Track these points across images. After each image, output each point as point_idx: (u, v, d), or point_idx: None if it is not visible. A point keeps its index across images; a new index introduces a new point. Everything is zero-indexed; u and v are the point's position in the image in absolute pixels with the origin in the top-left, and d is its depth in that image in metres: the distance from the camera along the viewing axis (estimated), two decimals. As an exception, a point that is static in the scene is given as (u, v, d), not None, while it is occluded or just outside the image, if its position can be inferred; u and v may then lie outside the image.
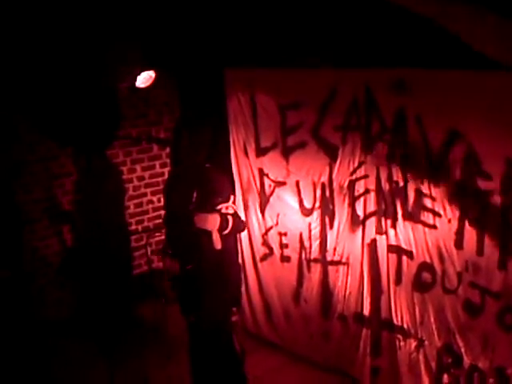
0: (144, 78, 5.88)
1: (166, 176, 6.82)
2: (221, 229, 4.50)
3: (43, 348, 5.76)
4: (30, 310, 5.82)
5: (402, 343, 4.92)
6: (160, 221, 6.81)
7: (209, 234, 4.50)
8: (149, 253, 6.33)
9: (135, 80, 5.88)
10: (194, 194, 4.53)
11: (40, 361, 5.63)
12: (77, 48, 5.70)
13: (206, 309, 4.62)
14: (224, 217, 4.50)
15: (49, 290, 6.19)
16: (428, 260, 4.65)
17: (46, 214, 6.10)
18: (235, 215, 4.61)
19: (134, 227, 6.74)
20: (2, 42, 5.36)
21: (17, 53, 5.49)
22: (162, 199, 6.73)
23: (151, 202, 6.84)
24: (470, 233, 4.37)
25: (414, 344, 4.85)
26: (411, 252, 4.73)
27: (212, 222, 4.46)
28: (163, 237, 6.59)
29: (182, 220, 4.55)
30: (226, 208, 4.54)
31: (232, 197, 4.64)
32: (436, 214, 4.53)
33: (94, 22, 5.64)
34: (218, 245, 4.55)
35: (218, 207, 4.50)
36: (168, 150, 6.79)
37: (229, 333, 4.81)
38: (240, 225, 4.72)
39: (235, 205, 4.71)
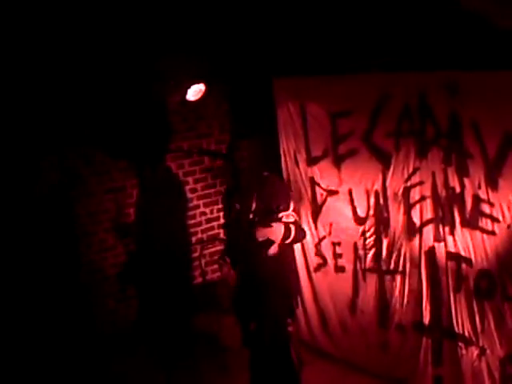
0: (194, 91, 5.91)
1: (218, 187, 6.85)
2: (284, 238, 4.49)
3: (100, 362, 5.82)
4: (90, 324, 5.89)
5: (463, 351, 4.79)
6: (213, 232, 6.87)
7: (270, 242, 4.49)
8: (203, 264, 6.39)
9: (185, 93, 5.91)
10: (254, 203, 4.52)
11: (96, 374, 5.69)
12: (129, 61, 5.75)
13: (266, 317, 4.58)
14: (287, 226, 4.48)
15: (107, 303, 6.24)
16: (487, 267, 4.52)
17: (102, 227, 6.19)
18: (296, 223, 4.59)
19: (187, 239, 6.75)
20: (57, 57, 5.45)
21: (75, 66, 5.57)
22: (215, 211, 6.85)
23: (204, 213, 6.85)
24: (530, 238, 4.25)
25: (475, 352, 4.72)
26: (470, 259, 4.62)
27: (276, 233, 4.45)
28: (217, 248, 6.69)
29: (242, 228, 4.53)
30: (287, 216, 4.52)
31: (292, 205, 4.61)
32: (494, 219, 4.41)
33: (146, 35, 5.68)
34: (278, 254, 4.55)
35: (279, 215, 4.48)
36: (220, 161, 6.80)
37: (286, 343, 4.77)
38: (301, 233, 4.70)
39: (295, 212, 4.68)
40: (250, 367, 4.91)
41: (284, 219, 4.46)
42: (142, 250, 6.40)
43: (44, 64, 5.40)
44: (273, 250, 4.53)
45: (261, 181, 4.62)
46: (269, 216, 4.46)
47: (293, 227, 4.49)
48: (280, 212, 4.46)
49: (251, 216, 4.49)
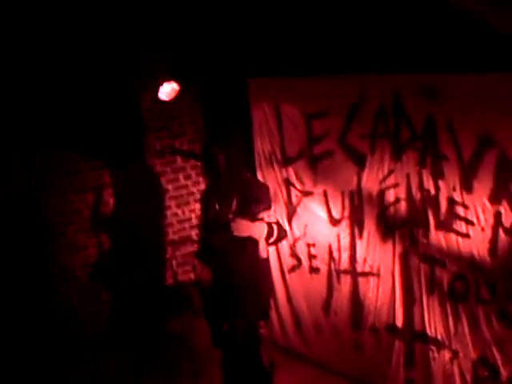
0: (168, 91, 5.84)
1: (191, 188, 6.78)
2: (267, 237, 4.46)
3: (73, 363, 5.74)
4: (60, 325, 5.80)
5: (435, 355, 4.79)
6: (185, 233, 6.79)
7: (247, 242, 4.45)
8: (174, 266, 6.32)
9: (158, 92, 5.84)
10: (234, 203, 4.48)
11: (69, 376, 5.61)
12: (102, 59, 5.66)
13: (239, 318, 4.54)
14: (270, 225, 4.45)
15: (77, 304, 6.14)
16: (461, 270, 4.52)
17: (73, 227, 6.09)
18: (278, 223, 4.56)
19: (159, 240, 6.67)
20: (26, 55, 5.33)
21: (41, 64, 5.47)
22: (187, 212, 6.77)
23: (176, 214, 6.76)
24: (504, 241, 4.24)
25: (448, 356, 4.72)
26: (444, 262, 4.61)
27: (258, 230, 4.41)
28: (188, 249, 6.62)
29: (220, 229, 4.48)
30: (269, 216, 4.49)
31: (273, 205, 4.58)
32: (469, 222, 4.41)
33: (120, 33, 5.61)
34: (264, 253, 4.54)
35: (261, 215, 4.44)
36: (192, 161, 6.73)
37: (257, 345, 4.73)
38: (283, 233, 4.67)
39: (276, 213, 4.65)
40: (223, 368, 4.86)
41: (266, 219, 4.43)
42: (113, 251, 6.31)
43: (12, 60, 5.30)
44: (263, 251, 4.51)
45: (241, 181, 4.57)
46: (250, 215, 4.41)
47: (275, 227, 4.46)
48: (261, 212, 4.42)
49: (231, 216, 4.44)
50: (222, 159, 4.51)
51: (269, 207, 4.50)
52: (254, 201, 4.46)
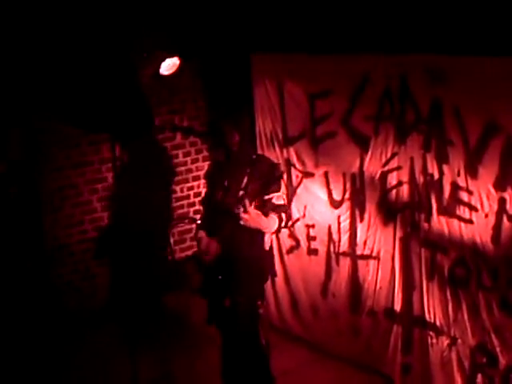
0: (168, 65, 5.76)
1: (190, 165, 6.71)
2: (279, 228, 4.43)
3: (67, 338, 5.73)
4: (55, 300, 5.76)
5: (434, 340, 4.76)
6: (182, 211, 6.74)
7: (254, 232, 4.38)
8: (172, 243, 6.28)
9: (159, 66, 5.75)
10: (245, 180, 4.38)
11: (63, 350, 5.62)
12: (102, 32, 5.56)
13: (241, 296, 4.47)
14: (280, 217, 4.37)
15: (73, 280, 6.10)
16: (463, 255, 4.47)
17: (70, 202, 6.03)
18: (285, 208, 4.47)
19: (157, 217, 6.61)
20: (26, 28, 5.24)
21: (41, 39, 5.37)
22: (185, 189, 6.71)
23: (174, 191, 6.71)
24: (508, 228, 4.19)
25: (446, 342, 4.68)
26: (445, 247, 4.56)
27: (270, 225, 4.36)
28: (186, 227, 6.57)
29: (228, 205, 4.39)
30: (278, 198, 4.39)
31: (283, 186, 4.49)
32: (472, 208, 4.35)
33: (119, 9, 5.50)
34: (268, 244, 4.50)
35: (269, 196, 4.35)
36: (191, 138, 6.65)
37: (256, 325, 4.68)
38: (289, 218, 4.59)
39: (285, 194, 4.56)
40: (221, 345, 4.81)
41: (274, 200, 4.34)
42: (110, 227, 6.26)
43: (13, 33, 5.20)
44: (267, 243, 4.47)
45: (252, 159, 4.48)
46: (260, 197, 4.32)
47: (284, 216, 4.38)
48: (270, 193, 4.33)
49: (241, 193, 4.35)
50: (235, 136, 4.41)
51: (278, 189, 4.40)
52: (264, 181, 4.36)
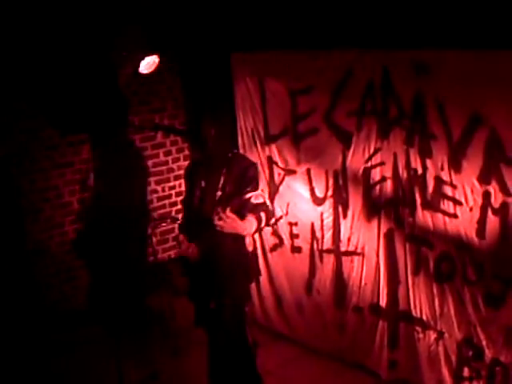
0: (147, 64, 5.72)
1: (170, 164, 6.67)
2: (255, 231, 4.36)
3: (50, 340, 5.68)
4: (38, 302, 5.68)
5: (420, 335, 4.76)
6: (165, 210, 6.69)
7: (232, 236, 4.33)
8: (154, 243, 6.22)
9: (138, 65, 5.69)
10: (222, 180, 4.33)
11: (47, 353, 5.55)
12: (79, 33, 5.49)
13: (226, 296, 4.43)
14: (258, 217, 4.28)
15: (54, 282, 6.02)
16: (448, 250, 4.47)
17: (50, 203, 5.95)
18: (265, 206, 4.40)
19: (139, 217, 6.54)
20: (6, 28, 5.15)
21: (19, 39, 5.30)
22: (167, 188, 6.66)
23: (155, 191, 6.66)
24: (492, 222, 4.19)
25: (433, 336, 4.69)
26: (430, 242, 4.56)
27: (248, 227, 4.26)
28: (168, 227, 6.51)
29: (206, 206, 4.35)
30: (256, 197, 4.34)
31: (261, 184, 4.44)
32: (457, 202, 4.35)
33: (97, 6, 5.43)
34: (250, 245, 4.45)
35: (248, 196, 4.30)
36: (172, 137, 6.61)
37: (243, 324, 4.64)
38: (270, 216, 4.52)
39: (264, 192, 4.51)
40: (208, 347, 4.76)
41: (253, 200, 4.29)
42: (90, 227, 6.19)
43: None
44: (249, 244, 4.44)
45: (228, 158, 4.43)
46: (237, 198, 4.27)
47: (263, 215, 4.31)
48: (248, 192, 4.29)
49: (218, 193, 4.31)
50: (212, 133, 4.35)
51: (256, 187, 4.36)
52: (241, 180, 4.31)
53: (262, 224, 4.31)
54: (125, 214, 6.04)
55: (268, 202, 4.55)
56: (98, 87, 5.75)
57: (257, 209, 4.29)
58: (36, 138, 5.76)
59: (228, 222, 4.15)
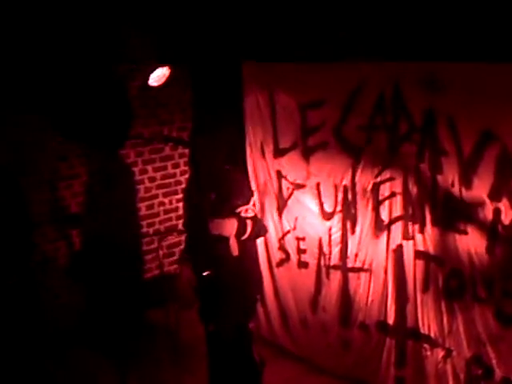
0: (157, 76, 5.71)
1: (178, 177, 6.64)
2: (238, 234, 4.30)
3: (51, 357, 5.58)
4: (42, 316, 5.64)
5: (428, 353, 4.70)
6: (171, 223, 6.65)
7: (226, 239, 4.31)
8: (160, 256, 6.16)
9: (148, 77, 5.69)
10: (212, 197, 4.33)
11: (46, 371, 5.46)
12: (88, 45, 5.49)
13: (224, 317, 4.41)
14: (242, 221, 4.29)
15: (58, 294, 5.97)
16: (457, 267, 4.43)
17: (54, 216, 5.91)
18: (255, 219, 4.40)
19: (145, 230, 6.52)
20: (14, 37, 5.15)
21: (27, 50, 5.29)
22: (174, 201, 6.63)
23: (162, 203, 6.63)
24: (503, 239, 4.16)
25: (441, 354, 4.64)
26: (440, 258, 4.52)
27: (229, 228, 4.27)
28: (175, 240, 6.47)
29: (200, 224, 4.34)
30: (246, 211, 4.34)
31: (252, 199, 4.43)
32: (467, 218, 4.31)
33: (107, 18, 5.44)
34: (235, 251, 4.36)
35: (238, 210, 4.29)
36: (180, 150, 6.59)
37: (248, 342, 4.60)
38: (261, 229, 4.51)
39: (255, 207, 4.50)
40: (209, 367, 4.73)
41: (242, 214, 4.27)
42: (95, 240, 6.14)
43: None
44: (233, 249, 4.36)
45: (221, 173, 4.41)
46: (225, 210, 4.26)
47: (249, 222, 4.29)
48: (239, 207, 4.27)
49: (208, 210, 4.29)
50: (204, 149, 4.34)
51: (247, 202, 4.33)
52: (232, 194, 4.30)
53: (248, 230, 4.28)
54: (121, 227, 5.99)
55: (258, 216, 4.56)
56: (105, 99, 5.74)
57: (244, 215, 4.32)
58: (44, 149, 5.73)
59: (213, 221, 4.21)
